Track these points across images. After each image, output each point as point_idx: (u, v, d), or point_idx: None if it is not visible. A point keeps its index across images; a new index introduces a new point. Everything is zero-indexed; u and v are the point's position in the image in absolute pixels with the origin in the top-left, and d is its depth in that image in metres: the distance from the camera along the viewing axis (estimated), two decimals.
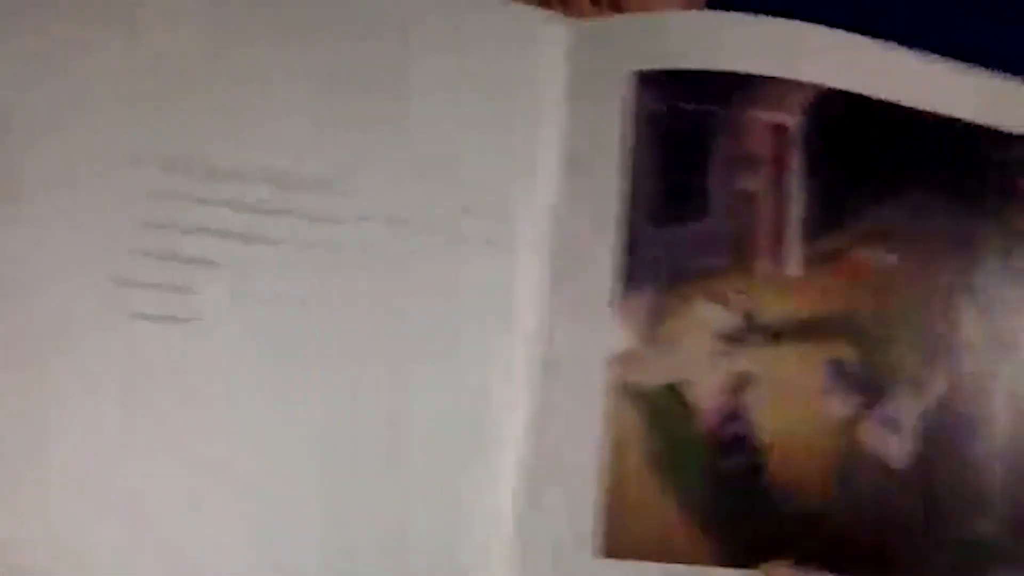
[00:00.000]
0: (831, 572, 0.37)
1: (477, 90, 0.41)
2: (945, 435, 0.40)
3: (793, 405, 0.39)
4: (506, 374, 0.39)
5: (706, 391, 0.39)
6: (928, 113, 0.43)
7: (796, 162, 0.42)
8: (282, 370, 0.37)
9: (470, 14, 0.42)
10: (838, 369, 0.40)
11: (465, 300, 0.39)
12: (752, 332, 0.40)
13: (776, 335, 0.40)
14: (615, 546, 0.37)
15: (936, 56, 0.44)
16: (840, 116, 0.42)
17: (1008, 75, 0.44)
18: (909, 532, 0.39)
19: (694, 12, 0.44)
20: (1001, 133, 0.43)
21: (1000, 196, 0.43)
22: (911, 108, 0.42)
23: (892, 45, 0.43)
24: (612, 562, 0.37)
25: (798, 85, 0.42)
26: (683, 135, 0.42)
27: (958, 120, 0.43)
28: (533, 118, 0.41)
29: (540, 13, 0.43)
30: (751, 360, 0.40)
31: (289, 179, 0.38)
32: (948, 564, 0.39)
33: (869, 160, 0.42)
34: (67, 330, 0.35)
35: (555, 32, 0.43)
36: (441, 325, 0.38)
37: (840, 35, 0.42)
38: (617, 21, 0.44)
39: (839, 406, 0.39)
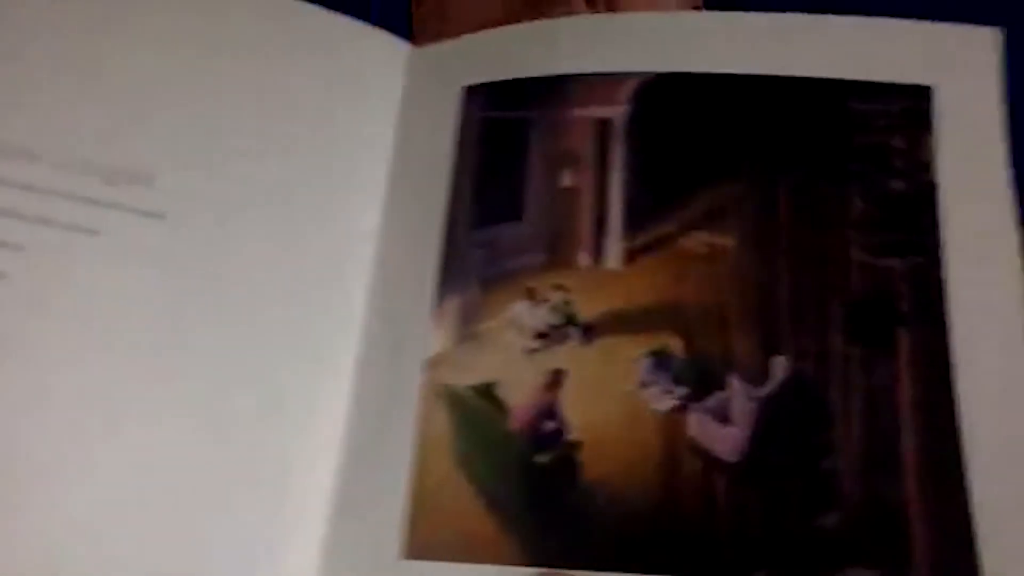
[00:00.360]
0: (658, 573, 0.35)
1: (309, 103, 0.43)
2: (785, 426, 0.37)
3: (609, 400, 0.38)
4: (326, 378, 0.39)
5: (518, 390, 0.38)
6: (765, 77, 0.41)
7: (619, 154, 0.41)
8: (97, 356, 0.38)
9: (308, 31, 0.44)
10: (660, 362, 0.38)
11: (286, 303, 0.40)
12: (568, 329, 0.39)
13: (592, 330, 0.39)
14: (421, 548, 0.36)
15: (768, 13, 0.42)
16: (667, 99, 0.41)
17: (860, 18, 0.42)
18: (744, 529, 0.36)
19: (521, 25, 0.44)
20: (859, 84, 0.41)
21: (864, 157, 0.40)
22: (743, 75, 0.41)
23: (714, 14, 0.42)
24: (416, 563, 0.36)
25: (620, 77, 0.42)
26: (501, 141, 0.42)
27: (803, 78, 0.41)
28: (364, 132, 0.43)
29: (382, 36, 0.45)
30: (566, 357, 0.38)
31: (100, 171, 0.40)
32: (790, 562, 0.35)
33: (700, 139, 0.41)
34: None
35: (394, 55, 0.44)
36: (259, 327, 0.40)
37: (656, 18, 0.42)
38: (456, 42, 0.45)
39: (660, 400, 0.38)
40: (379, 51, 0.44)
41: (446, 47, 0.45)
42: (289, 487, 0.38)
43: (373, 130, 0.43)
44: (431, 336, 0.39)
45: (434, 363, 0.39)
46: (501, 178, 0.41)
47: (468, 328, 0.39)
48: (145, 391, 0.37)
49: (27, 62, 0.41)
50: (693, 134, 0.41)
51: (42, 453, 0.36)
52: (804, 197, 0.40)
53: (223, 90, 0.42)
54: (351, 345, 0.39)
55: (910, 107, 0.40)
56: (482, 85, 0.43)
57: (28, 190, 0.39)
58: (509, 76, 0.42)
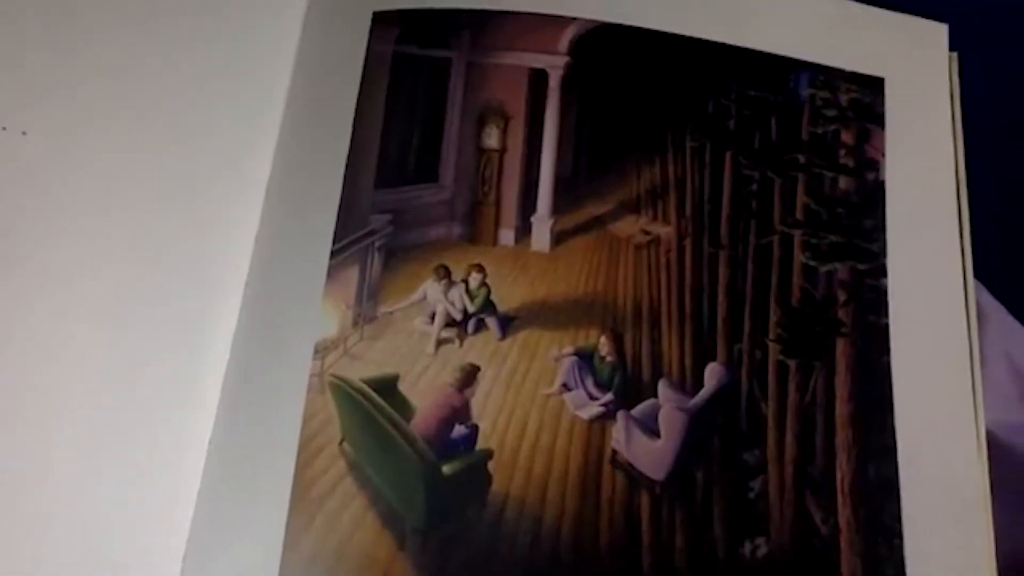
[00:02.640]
0: None
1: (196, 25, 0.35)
2: (717, 442, 0.34)
3: (526, 404, 0.33)
4: (194, 363, 0.32)
5: (424, 386, 0.33)
6: (717, 44, 0.36)
7: (553, 114, 0.35)
8: None
9: None
10: (586, 362, 0.34)
11: (163, 269, 0.33)
12: (485, 317, 0.34)
13: (512, 321, 0.34)
14: (302, 565, 0.31)
15: None
16: (609, 55, 0.36)
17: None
18: (667, 557, 0.32)
19: None
20: (807, 64, 0.37)
21: (812, 149, 0.36)
22: (693, 39, 0.36)
23: None
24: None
25: (559, 21, 0.35)
26: (415, 84, 0.35)
27: (757, 52, 0.36)
28: (256, 68, 0.35)
29: None
30: (481, 350, 0.33)
31: None
32: None
33: (643, 104, 0.36)
34: None
35: None
36: (139, 289, 0.32)
37: None
38: None
39: (583, 406, 0.33)
40: None
41: None
42: (151, 487, 0.31)
43: (267, 59, 0.35)
44: (322, 315, 0.33)
45: (325, 348, 0.32)
46: (413, 129, 0.35)
47: (367, 309, 0.33)
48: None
49: None
50: (635, 98, 0.36)
51: None
52: (749, 185, 0.36)
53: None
54: (227, 323, 0.32)
55: (860, 98, 0.37)
56: (395, 12, 0.35)
57: None
58: (429, 4, 0.35)
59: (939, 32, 0.39)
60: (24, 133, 0.33)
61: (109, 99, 0.34)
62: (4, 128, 0.33)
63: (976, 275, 0.36)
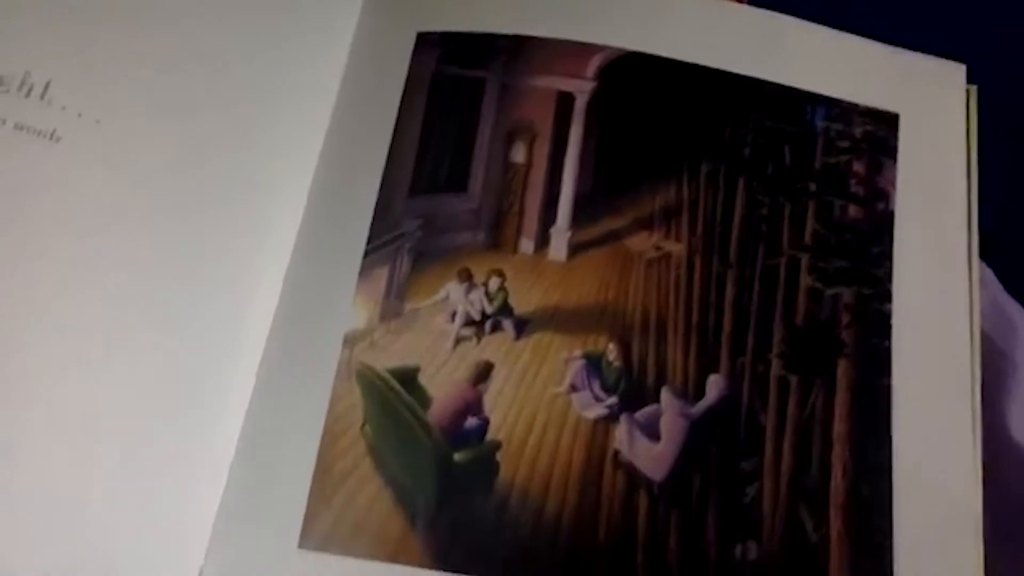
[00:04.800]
0: None
1: (255, 36, 0.38)
2: (714, 448, 0.36)
3: (535, 401, 0.35)
4: (234, 343, 0.36)
5: (442, 379, 0.35)
6: (737, 76, 0.38)
7: (578, 134, 0.38)
8: None
9: None
10: (594, 365, 0.36)
11: (207, 259, 0.36)
12: (502, 319, 0.36)
13: (527, 323, 0.36)
14: (321, 538, 0.34)
15: (756, 10, 0.39)
16: (634, 82, 0.38)
17: (841, 31, 0.40)
18: (662, 554, 0.34)
19: None
20: (828, 99, 0.39)
21: (824, 178, 0.38)
22: (715, 70, 0.38)
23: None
24: (313, 555, 0.33)
25: (588, 48, 0.38)
26: (451, 101, 0.38)
27: (776, 84, 0.39)
28: (307, 75, 0.38)
29: None
30: (496, 350, 0.36)
31: None
32: None
33: (663, 130, 0.38)
34: None
35: None
36: (179, 281, 0.36)
37: None
38: None
39: (589, 406, 0.35)
40: None
41: None
42: (187, 457, 0.34)
43: (317, 71, 0.38)
44: (353, 309, 0.36)
45: (354, 339, 0.35)
46: (447, 143, 0.37)
47: (394, 305, 0.36)
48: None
49: None
50: (656, 123, 0.38)
51: None
52: (760, 209, 0.38)
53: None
54: (267, 309, 0.35)
55: (874, 132, 0.39)
56: (438, 34, 0.38)
57: None
58: (470, 28, 0.38)
59: (957, 72, 0.40)
60: (98, 122, 0.37)
61: (170, 96, 0.37)
62: (80, 115, 0.37)
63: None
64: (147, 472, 0.34)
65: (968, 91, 0.40)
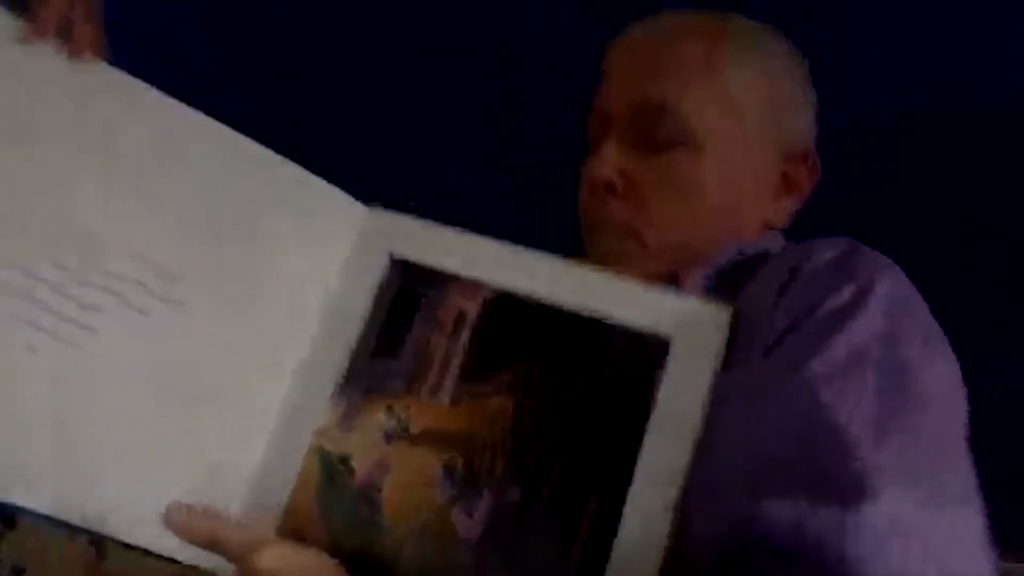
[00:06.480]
0: None
1: (285, 240, 0.69)
2: (503, 526, 0.63)
3: (412, 485, 0.64)
4: (256, 418, 0.66)
5: (362, 463, 0.64)
6: (557, 307, 0.65)
7: (466, 334, 0.66)
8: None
9: (292, 186, 0.69)
10: (448, 470, 0.64)
11: (245, 371, 0.67)
12: (402, 435, 0.65)
13: (415, 438, 0.65)
14: None
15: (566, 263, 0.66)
16: (504, 307, 0.66)
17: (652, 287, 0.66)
18: None
19: (431, 225, 0.69)
20: (602, 323, 0.65)
21: (601, 379, 0.64)
22: (548, 304, 0.65)
23: (542, 256, 0.66)
24: None
25: (475, 283, 0.66)
26: (404, 303, 0.67)
27: (573, 310, 0.65)
28: (315, 271, 0.68)
29: (346, 197, 0.70)
30: (395, 452, 0.64)
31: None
32: None
33: (514, 337, 0.66)
34: None
35: (356, 213, 0.70)
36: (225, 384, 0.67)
37: (506, 248, 0.66)
38: (400, 219, 0.70)
39: (441, 492, 0.63)
40: (340, 211, 0.69)
41: (393, 221, 0.69)
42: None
43: (323, 269, 0.68)
44: (324, 415, 0.65)
45: (320, 432, 0.65)
46: (395, 328, 0.67)
47: (347, 419, 0.65)
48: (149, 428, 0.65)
49: (122, 185, 0.66)
50: (513, 331, 0.66)
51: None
52: (564, 392, 0.64)
53: (224, 231, 0.68)
54: (277, 405, 0.66)
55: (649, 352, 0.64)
56: (402, 260, 0.68)
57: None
58: (427, 262, 0.67)
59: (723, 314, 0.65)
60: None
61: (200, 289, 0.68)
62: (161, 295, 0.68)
63: None
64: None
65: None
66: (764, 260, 0.75)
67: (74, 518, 0.61)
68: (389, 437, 0.65)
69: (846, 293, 0.67)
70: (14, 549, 1.19)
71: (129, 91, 0.66)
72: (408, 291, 0.68)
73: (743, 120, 0.79)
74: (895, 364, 0.64)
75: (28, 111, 0.62)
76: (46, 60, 0.63)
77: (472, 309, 0.67)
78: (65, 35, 0.62)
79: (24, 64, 0.62)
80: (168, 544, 0.62)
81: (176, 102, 0.68)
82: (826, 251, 0.69)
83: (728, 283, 0.74)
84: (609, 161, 0.78)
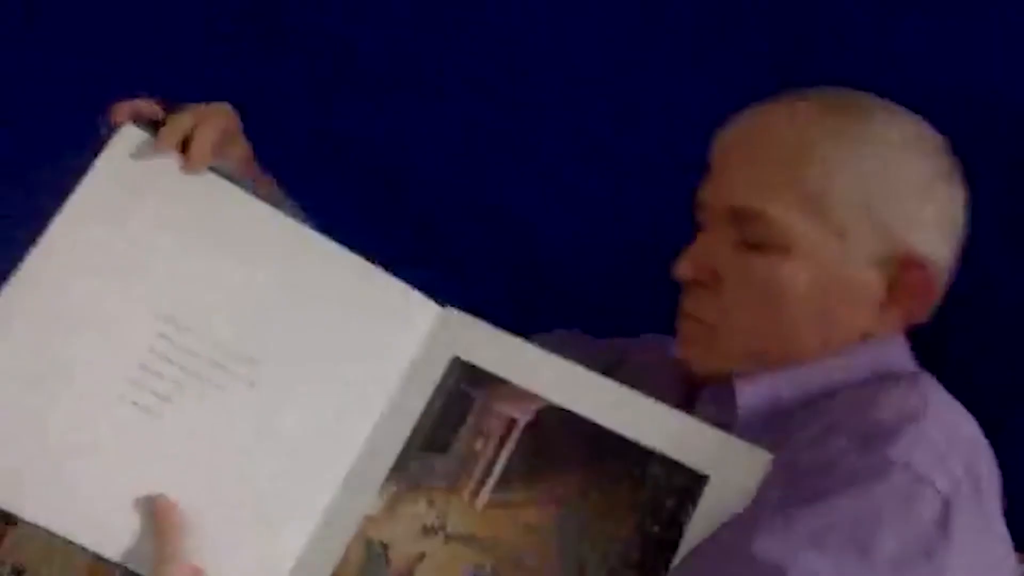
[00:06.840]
0: None
1: (364, 336, 0.74)
2: None
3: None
4: (316, 498, 0.71)
5: (400, 553, 0.68)
6: (606, 429, 0.67)
7: (512, 442, 0.69)
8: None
9: (371, 287, 0.75)
10: (478, 570, 0.67)
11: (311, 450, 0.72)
12: (439, 530, 0.68)
13: (450, 537, 0.68)
14: None
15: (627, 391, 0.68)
16: (553, 418, 0.69)
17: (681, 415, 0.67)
18: None
19: (497, 333, 0.72)
20: (646, 451, 0.66)
21: (648, 499, 0.66)
22: (596, 423, 0.67)
23: (597, 377, 0.69)
24: None
25: (530, 394, 0.69)
26: (458, 403, 0.71)
27: (620, 435, 0.67)
28: (384, 365, 0.73)
29: (419, 296, 0.75)
30: (430, 546, 0.68)
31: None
32: None
33: (554, 453, 0.68)
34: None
35: (428, 313, 0.74)
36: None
37: (567, 366, 0.69)
38: (469, 322, 0.74)
39: None
40: (414, 311, 0.74)
41: (461, 324, 0.74)
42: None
43: (392, 364, 0.73)
44: (374, 503, 0.70)
45: (368, 519, 0.69)
46: (447, 427, 0.70)
47: (394, 508, 0.69)
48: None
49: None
50: (558, 444, 0.68)
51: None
52: (605, 517, 0.66)
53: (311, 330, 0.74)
54: (333, 488, 0.71)
55: (687, 484, 0.65)
56: (465, 363, 0.72)
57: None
58: (485, 366, 0.71)
59: (762, 459, 0.65)
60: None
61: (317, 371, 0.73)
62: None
63: None
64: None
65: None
66: (827, 397, 0.74)
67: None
68: (427, 531, 0.68)
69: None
70: (14, 549, 1.23)
71: (230, 194, 0.75)
72: (465, 391, 0.71)
73: (835, 223, 0.75)
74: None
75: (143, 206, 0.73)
76: (166, 165, 0.74)
77: (523, 419, 0.70)
78: (183, 148, 0.75)
79: (146, 168, 0.74)
80: None
81: (267, 207, 0.76)
82: (884, 411, 0.67)
83: (781, 416, 0.73)
84: (696, 258, 0.79)
